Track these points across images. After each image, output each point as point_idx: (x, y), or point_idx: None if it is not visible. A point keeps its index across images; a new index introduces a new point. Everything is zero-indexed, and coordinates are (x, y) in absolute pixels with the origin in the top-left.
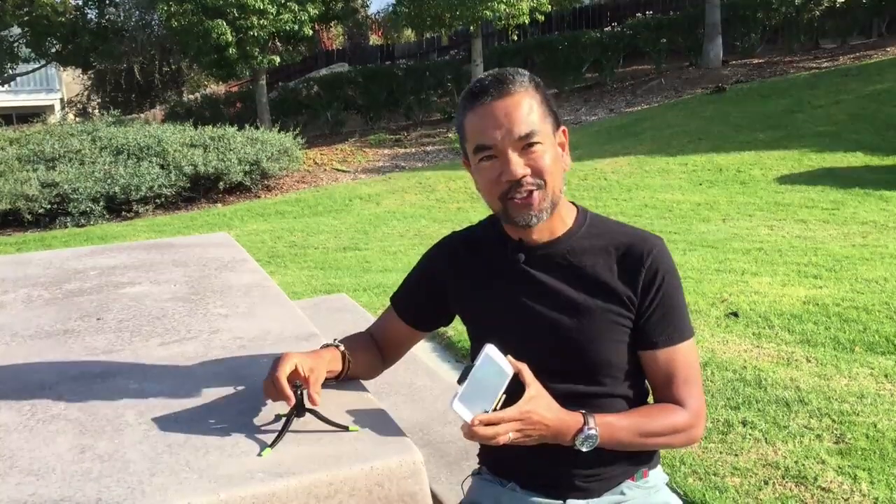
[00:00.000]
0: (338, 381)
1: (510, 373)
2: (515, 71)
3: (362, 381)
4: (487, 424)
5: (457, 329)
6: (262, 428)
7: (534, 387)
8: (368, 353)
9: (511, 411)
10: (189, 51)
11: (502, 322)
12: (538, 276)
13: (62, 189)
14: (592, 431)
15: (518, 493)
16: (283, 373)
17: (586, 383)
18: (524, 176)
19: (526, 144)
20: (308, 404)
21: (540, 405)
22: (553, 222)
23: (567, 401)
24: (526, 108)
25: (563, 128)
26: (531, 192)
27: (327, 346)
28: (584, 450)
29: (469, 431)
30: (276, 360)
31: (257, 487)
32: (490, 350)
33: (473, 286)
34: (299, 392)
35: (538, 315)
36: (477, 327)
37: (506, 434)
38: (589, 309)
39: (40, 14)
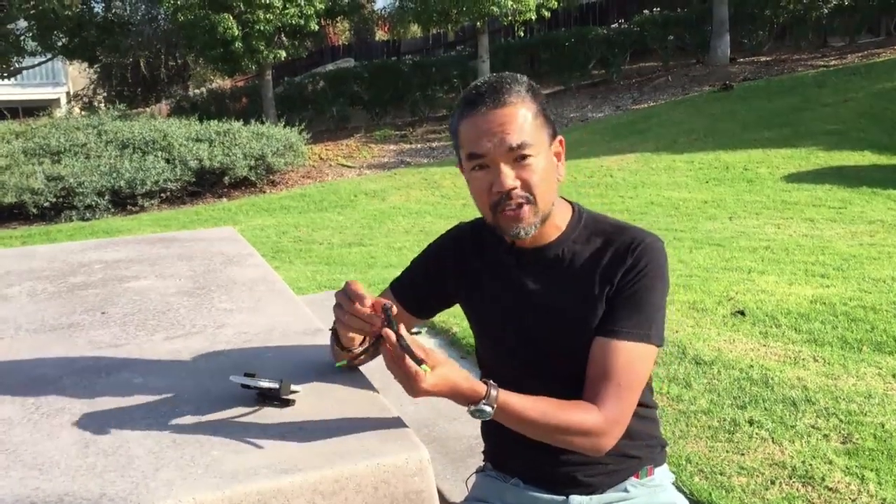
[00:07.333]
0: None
1: None
2: (514, 79)
3: (368, 379)
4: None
5: (462, 326)
6: (267, 424)
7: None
8: None
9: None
10: (195, 45)
11: (493, 323)
12: (528, 280)
13: (67, 183)
14: (494, 392)
15: (521, 489)
16: (366, 294)
17: (576, 389)
18: (514, 188)
19: (518, 156)
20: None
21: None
22: (545, 228)
23: None
24: (520, 119)
25: (559, 137)
26: (521, 205)
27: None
28: (483, 408)
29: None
30: (344, 287)
31: (262, 483)
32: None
33: (472, 284)
34: (388, 313)
35: (525, 319)
36: (474, 325)
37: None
38: (573, 316)
39: (47, 8)
